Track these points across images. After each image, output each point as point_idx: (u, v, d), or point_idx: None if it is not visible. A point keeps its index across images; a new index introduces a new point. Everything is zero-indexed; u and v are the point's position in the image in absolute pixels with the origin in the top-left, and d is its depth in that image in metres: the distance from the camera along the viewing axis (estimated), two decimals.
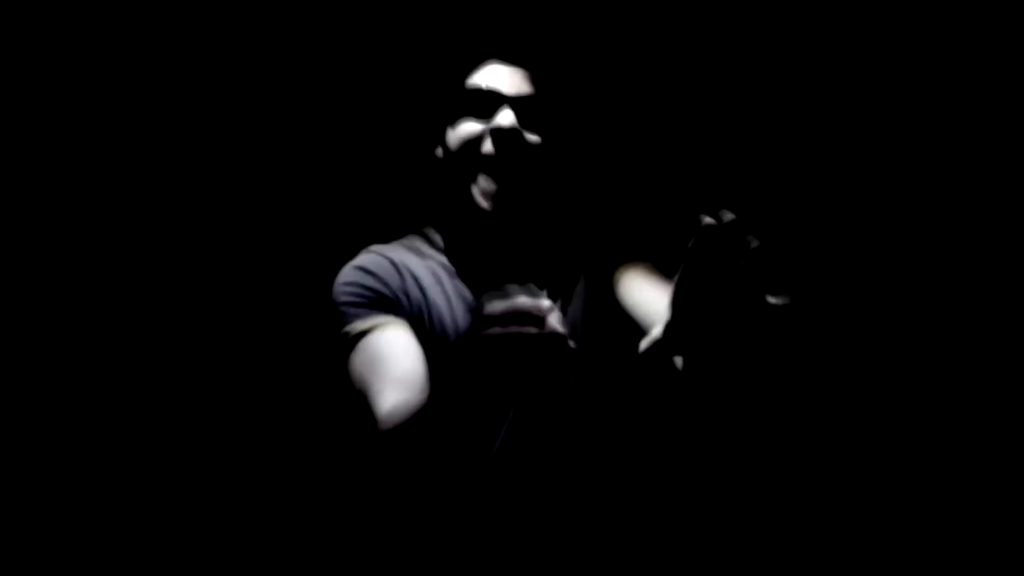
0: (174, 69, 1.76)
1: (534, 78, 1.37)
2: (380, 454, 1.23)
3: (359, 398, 1.25)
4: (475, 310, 1.09)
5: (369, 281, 1.33)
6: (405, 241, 1.45)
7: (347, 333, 1.29)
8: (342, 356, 1.29)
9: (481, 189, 1.32)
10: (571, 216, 1.51)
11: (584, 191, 1.70)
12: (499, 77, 1.35)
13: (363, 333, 1.28)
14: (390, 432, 1.17)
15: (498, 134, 1.31)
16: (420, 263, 1.39)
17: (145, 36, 1.74)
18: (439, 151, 1.40)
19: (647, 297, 1.24)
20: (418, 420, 1.16)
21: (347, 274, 1.36)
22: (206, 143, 1.78)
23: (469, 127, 1.34)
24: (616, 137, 1.81)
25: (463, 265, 1.39)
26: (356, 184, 1.80)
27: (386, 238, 1.44)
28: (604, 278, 1.34)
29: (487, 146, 1.32)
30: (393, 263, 1.37)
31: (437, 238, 1.43)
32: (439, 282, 1.36)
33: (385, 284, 1.33)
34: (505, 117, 1.31)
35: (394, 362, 1.23)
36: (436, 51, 1.68)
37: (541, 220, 1.42)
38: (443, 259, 1.40)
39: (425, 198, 1.51)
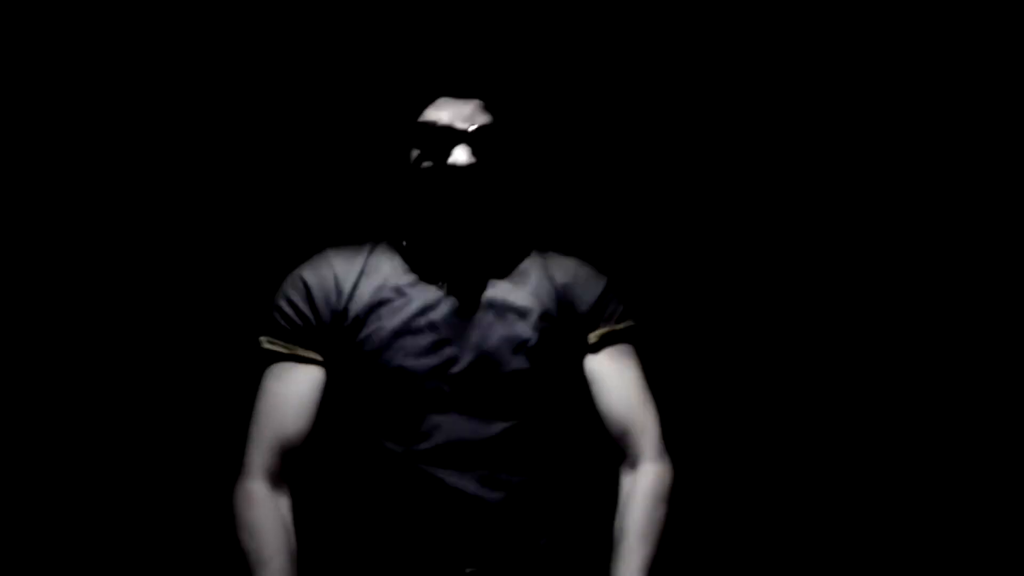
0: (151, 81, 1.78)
1: (487, 106, 1.36)
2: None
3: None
4: None
5: (300, 303, 1.36)
6: (370, 245, 1.44)
7: (260, 341, 1.36)
8: (254, 358, 1.37)
9: (444, 204, 1.34)
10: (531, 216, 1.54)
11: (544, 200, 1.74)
12: (451, 112, 1.33)
13: (272, 354, 1.35)
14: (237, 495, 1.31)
15: (453, 172, 1.31)
16: (373, 269, 1.39)
17: (116, 46, 1.76)
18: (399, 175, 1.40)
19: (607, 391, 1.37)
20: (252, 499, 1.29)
21: (289, 284, 1.39)
22: (189, 148, 1.80)
23: (425, 164, 1.34)
24: (572, 153, 1.82)
25: (427, 264, 1.39)
26: (322, 189, 1.81)
27: (352, 240, 1.47)
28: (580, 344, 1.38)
29: (444, 182, 1.32)
30: (335, 275, 1.38)
31: (402, 242, 1.43)
32: (384, 287, 1.36)
33: (313, 308, 1.35)
34: (460, 155, 1.30)
35: (276, 423, 1.32)
36: (393, 80, 1.70)
37: (505, 221, 1.44)
38: (404, 265, 1.40)
39: (390, 204, 1.50)
